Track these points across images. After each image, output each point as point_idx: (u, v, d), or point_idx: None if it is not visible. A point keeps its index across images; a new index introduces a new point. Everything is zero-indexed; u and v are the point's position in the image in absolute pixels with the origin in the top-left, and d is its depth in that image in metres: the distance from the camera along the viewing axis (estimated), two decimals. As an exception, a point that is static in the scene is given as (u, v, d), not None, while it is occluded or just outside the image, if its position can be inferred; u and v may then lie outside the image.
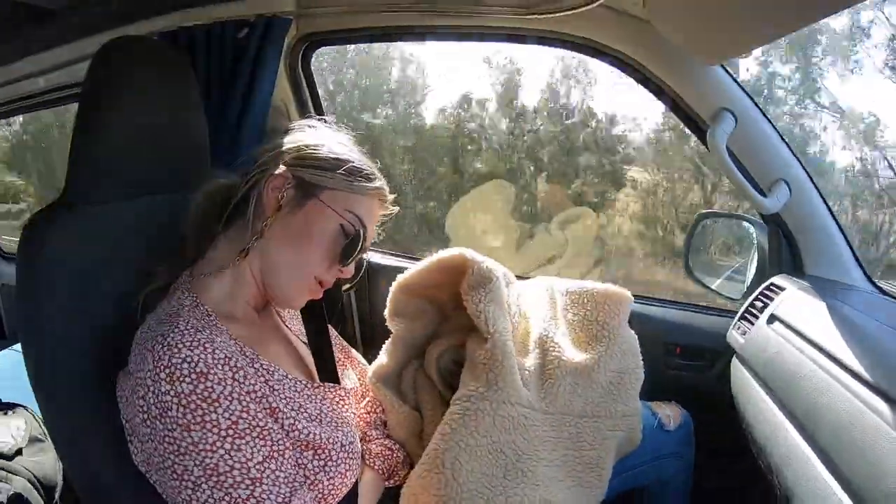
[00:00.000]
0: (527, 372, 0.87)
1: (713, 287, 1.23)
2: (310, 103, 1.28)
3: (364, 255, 0.79)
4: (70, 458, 0.74)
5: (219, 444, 0.60)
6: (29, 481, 0.92)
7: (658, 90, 1.06)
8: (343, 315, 1.28)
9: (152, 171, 0.80)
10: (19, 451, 0.94)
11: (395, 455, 0.86)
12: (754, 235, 1.17)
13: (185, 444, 0.59)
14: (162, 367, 0.59)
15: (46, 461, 0.95)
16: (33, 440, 0.97)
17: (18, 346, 1.21)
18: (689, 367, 1.16)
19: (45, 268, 0.68)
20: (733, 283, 1.24)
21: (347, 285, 0.85)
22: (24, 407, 1.02)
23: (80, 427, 0.71)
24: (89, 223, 0.73)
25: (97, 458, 0.71)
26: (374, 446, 0.85)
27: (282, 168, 0.72)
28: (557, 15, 1.03)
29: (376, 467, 0.83)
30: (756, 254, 1.17)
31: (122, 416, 0.66)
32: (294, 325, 0.88)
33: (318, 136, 0.77)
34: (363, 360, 0.98)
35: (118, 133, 0.74)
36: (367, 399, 0.92)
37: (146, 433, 0.61)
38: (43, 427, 0.99)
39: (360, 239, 0.73)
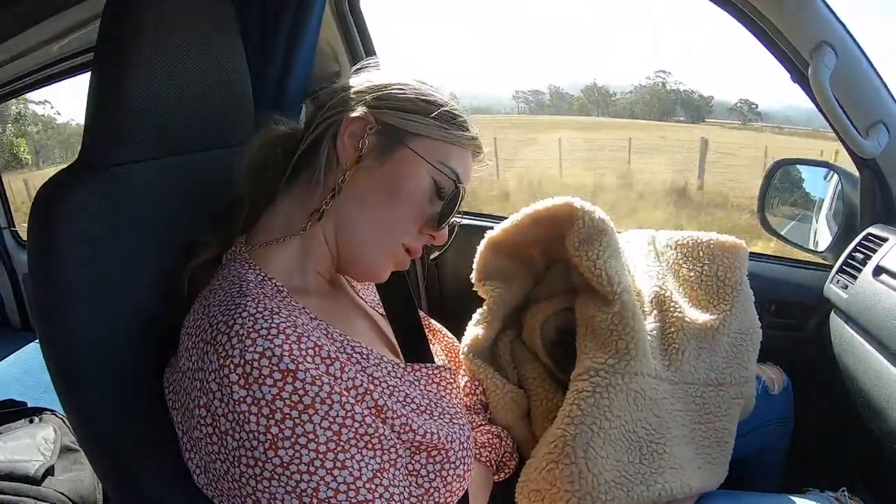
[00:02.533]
0: (649, 337, 0.77)
1: (794, 241, 1.15)
2: (360, 48, 1.13)
3: (457, 219, 0.66)
4: (106, 479, 0.60)
5: (318, 462, 0.45)
6: None
7: (753, 24, 0.96)
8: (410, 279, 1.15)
9: (185, 125, 0.66)
10: (50, 471, 0.79)
11: (503, 444, 0.74)
12: (840, 183, 1.10)
13: (271, 466, 0.45)
14: (233, 367, 0.45)
15: (83, 476, 0.81)
16: (65, 451, 0.83)
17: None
18: (784, 325, 1.09)
19: (62, 241, 0.54)
20: (816, 233, 1.16)
21: (436, 253, 0.72)
22: (53, 411, 0.87)
23: (117, 441, 0.57)
24: (112, 187, 0.59)
25: (139, 478, 0.57)
26: (479, 435, 0.73)
27: (361, 109, 0.58)
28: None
29: (483, 459, 0.71)
30: (842, 203, 1.10)
31: (177, 425, 0.52)
32: (367, 295, 0.75)
33: (398, 74, 0.63)
34: (447, 332, 0.84)
35: (142, 78, 0.59)
36: (465, 379, 0.80)
37: (213, 451, 0.47)
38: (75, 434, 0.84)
39: (457, 197, 0.61)
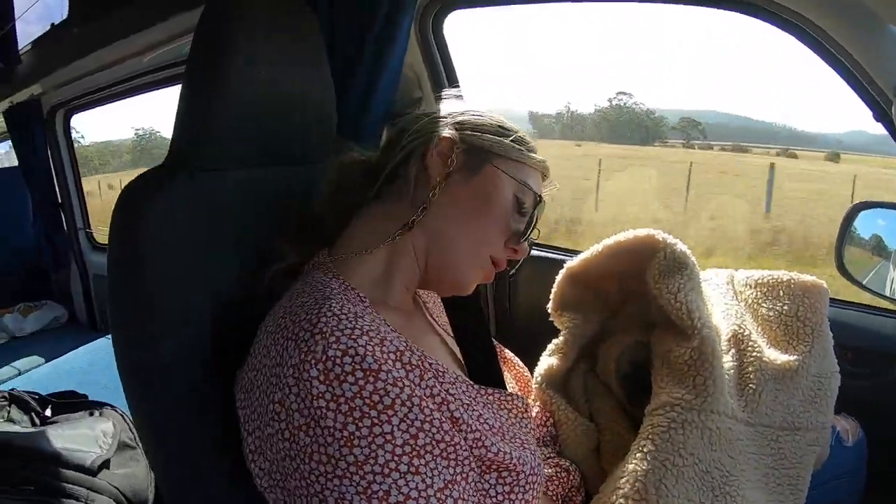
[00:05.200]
0: (726, 376, 0.74)
1: (874, 288, 1.10)
2: (443, 74, 1.16)
3: (535, 234, 0.69)
4: (167, 478, 0.61)
5: (392, 464, 0.45)
6: (115, 500, 0.78)
7: (835, 60, 0.94)
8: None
9: (271, 139, 0.69)
10: (105, 464, 0.80)
11: (571, 478, 0.73)
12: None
13: (344, 464, 0.45)
14: (313, 362, 0.46)
15: (138, 472, 0.82)
16: (123, 447, 0.84)
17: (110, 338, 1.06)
18: (861, 374, 1.04)
19: (145, 240, 0.56)
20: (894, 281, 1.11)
21: (513, 270, 0.72)
22: (113, 407, 0.88)
23: (182, 439, 0.58)
24: (197, 191, 0.61)
25: (204, 479, 0.58)
26: (546, 468, 0.71)
27: (449, 131, 0.62)
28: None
29: (550, 492, 0.70)
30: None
31: (243, 426, 0.53)
32: (441, 319, 0.76)
33: (476, 104, 0.68)
34: (518, 361, 0.84)
35: (233, 90, 0.62)
36: (536, 409, 0.79)
37: (283, 448, 0.47)
38: (134, 431, 0.85)
39: (537, 211, 0.65)
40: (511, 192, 0.63)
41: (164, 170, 0.62)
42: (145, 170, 0.62)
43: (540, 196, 0.66)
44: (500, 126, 0.65)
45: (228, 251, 0.62)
